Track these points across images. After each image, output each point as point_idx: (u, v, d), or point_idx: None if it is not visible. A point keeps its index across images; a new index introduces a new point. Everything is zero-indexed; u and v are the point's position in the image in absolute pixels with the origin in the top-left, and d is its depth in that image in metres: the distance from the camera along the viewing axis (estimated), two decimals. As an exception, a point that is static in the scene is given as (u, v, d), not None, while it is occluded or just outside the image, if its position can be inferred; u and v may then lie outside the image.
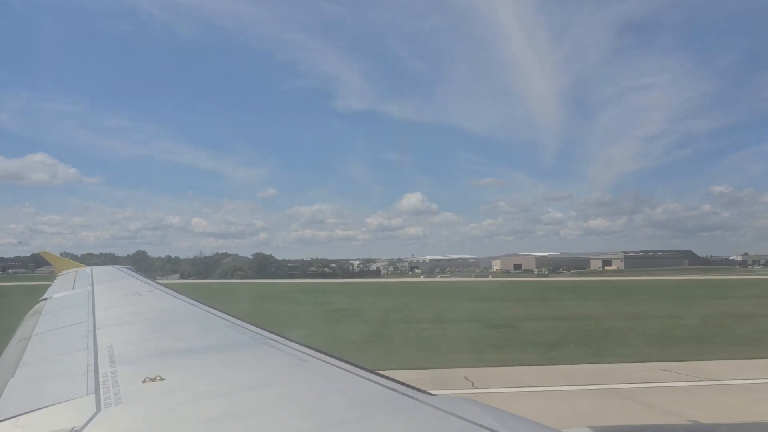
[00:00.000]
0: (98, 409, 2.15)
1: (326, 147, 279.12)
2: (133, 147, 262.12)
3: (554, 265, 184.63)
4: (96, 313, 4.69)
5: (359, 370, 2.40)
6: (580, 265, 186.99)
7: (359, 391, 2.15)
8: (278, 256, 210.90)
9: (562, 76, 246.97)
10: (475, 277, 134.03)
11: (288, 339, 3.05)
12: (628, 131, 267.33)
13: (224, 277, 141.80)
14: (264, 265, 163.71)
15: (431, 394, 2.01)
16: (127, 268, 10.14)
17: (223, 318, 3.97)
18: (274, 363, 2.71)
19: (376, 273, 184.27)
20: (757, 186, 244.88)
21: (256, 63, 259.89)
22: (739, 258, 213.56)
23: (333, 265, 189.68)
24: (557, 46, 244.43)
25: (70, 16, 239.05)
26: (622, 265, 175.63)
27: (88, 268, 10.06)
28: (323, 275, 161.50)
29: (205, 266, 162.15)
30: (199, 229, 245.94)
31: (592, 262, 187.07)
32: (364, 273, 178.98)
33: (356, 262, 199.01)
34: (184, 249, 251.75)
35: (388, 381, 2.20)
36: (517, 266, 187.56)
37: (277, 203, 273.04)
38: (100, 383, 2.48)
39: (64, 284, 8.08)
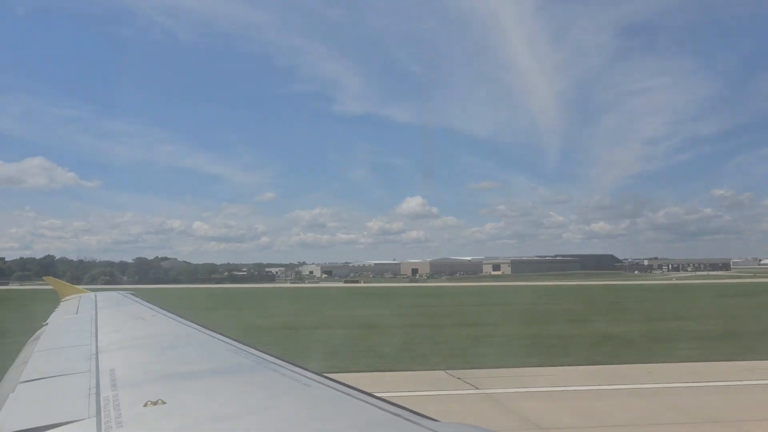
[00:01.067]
0: None
1: (326, 151, 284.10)
2: (133, 151, 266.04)
3: (450, 271, 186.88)
4: (99, 337, 4.61)
5: (363, 394, 2.36)
6: (476, 269, 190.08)
7: (363, 415, 2.12)
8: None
9: (563, 78, 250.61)
10: (345, 282, 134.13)
11: (291, 363, 3.03)
12: (631, 134, 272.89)
13: (92, 281, 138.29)
14: (145, 270, 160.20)
15: (435, 420, 1.98)
16: (130, 293, 10.21)
17: (225, 342, 3.91)
18: (277, 387, 2.68)
19: (271, 278, 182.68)
20: (759, 189, 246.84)
21: (257, 67, 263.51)
22: (646, 262, 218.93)
23: (222, 270, 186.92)
24: (558, 48, 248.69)
25: (71, 21, 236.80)
26: (509, 270, 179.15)
27: (92, 294, 9.96)
28: (209, 281, 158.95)
29: (83, 271, 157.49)
30: (201, 232, 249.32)
31: (484, 266, 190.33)
32: (257, 278, 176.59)
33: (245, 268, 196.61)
34: (186, 253, 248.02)
35: (391, 406, 2.15)
36: (415, 271, 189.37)
37: (278, 207, 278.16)
38: (102, 406, 2.45)
39: (67, 309, 8.07)
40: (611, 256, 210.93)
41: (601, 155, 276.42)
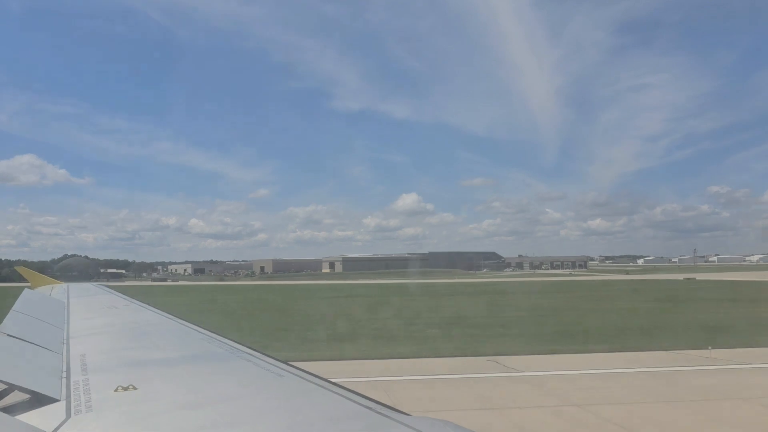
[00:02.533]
0: (68, 415, 2.13)
1: (323, 147, 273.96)
2: (126, 148, 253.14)
3: (296, 269, 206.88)
4: (70, 323, 4.42)
5: (335, 386, 2.46)
6: (318, 267, 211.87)
7: (334, 407, 2.20)
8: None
9: (561, 75, 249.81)
10: (153, 281, 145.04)
11: (264, 353, 3.12)
12: (628, 131, 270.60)
13: None
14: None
15: (406, 414, 2.08)
16: (104, 285, 9.33)
17: (198, 331, 3.92)
18: (250, 376, 2.75)
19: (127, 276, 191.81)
20: (757, 186, 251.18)
21: (254, 64, 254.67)
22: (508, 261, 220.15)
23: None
24: (556, 45, 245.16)
25: (66, 18, 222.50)
26: (341, 268, 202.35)
27: (65, 284, 9.45)
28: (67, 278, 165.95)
29: None
30: (197, 230, 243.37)
31: (323, 264, 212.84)
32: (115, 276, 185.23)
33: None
34: (184, 251, 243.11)
35: (363, 399, 2.26)
36: (263, 269, 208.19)
37: (272, 204, 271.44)
38: (71, 390, 2.44)
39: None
40: (494, 253, 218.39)
41: (598, 152, 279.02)
